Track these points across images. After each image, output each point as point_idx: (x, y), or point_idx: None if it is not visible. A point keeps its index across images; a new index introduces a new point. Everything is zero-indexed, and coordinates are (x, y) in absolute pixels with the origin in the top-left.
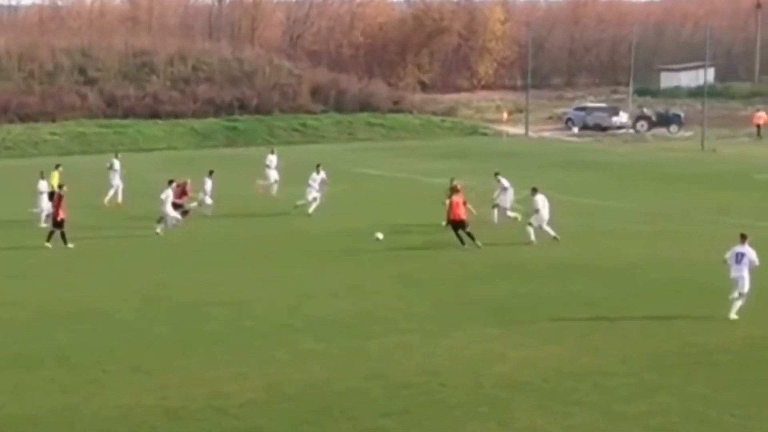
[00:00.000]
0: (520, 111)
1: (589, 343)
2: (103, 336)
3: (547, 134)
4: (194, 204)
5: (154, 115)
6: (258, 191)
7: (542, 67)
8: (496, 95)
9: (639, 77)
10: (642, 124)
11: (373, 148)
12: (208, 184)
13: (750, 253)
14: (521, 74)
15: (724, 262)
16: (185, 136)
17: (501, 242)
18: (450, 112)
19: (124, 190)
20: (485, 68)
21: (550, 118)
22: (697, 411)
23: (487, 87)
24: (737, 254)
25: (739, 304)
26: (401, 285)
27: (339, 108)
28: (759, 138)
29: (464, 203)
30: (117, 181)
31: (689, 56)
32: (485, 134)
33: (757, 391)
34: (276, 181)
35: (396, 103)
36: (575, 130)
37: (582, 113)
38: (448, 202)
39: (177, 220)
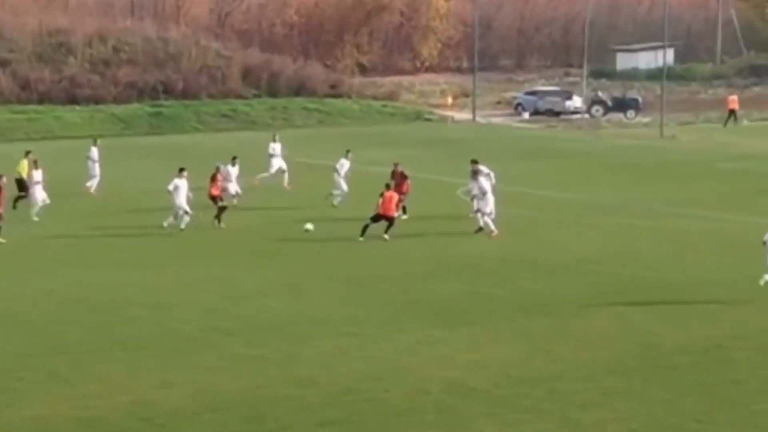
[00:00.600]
0: (467, 95)
1: (542, 346)
2: (17, 341)
3: (495, 120)
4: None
5: (72, 100)
6: (255, 184)
7: (490, 48)
8: (441, 78)
9: (593, 58)
10: (597, 109)
11: (310, 135)
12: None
13: None
14: (467, 56)
15: (764, 243)
16: (105, 122)
17: (446, 235)
18: (391, 96)
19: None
20: (429, 49)
21: (499, 102)
22: (659, 417)
23: (431, 69)
24: None
25: None
26: (339, 284)
27: (272, 92)
28: (733, 123)
29: (399, 199)
30: (97, 170)
31: (647, 36)
32: (429, 120)
33: (722, 395)
34: (284, 171)
35: (333, 87)
36: (526, 115)
37: (533, 98)
38: (381, 195)
39: (187, 215)
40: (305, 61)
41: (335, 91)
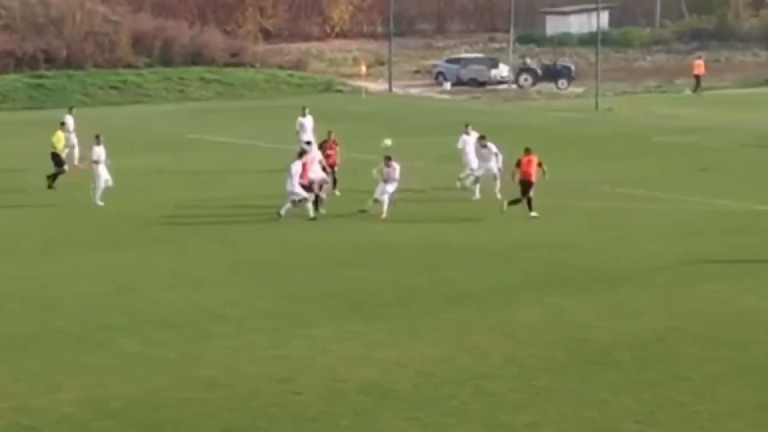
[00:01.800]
0: (382, 63)
1: (468, 341)
2: None
3: (414, 91)
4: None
5: None
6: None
7: (407, 11)
8: (353, 45)
9: (521, 22)
10: (526, 79)
11: (208, 109)
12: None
13: None
14: (382, 19)
15: None
16: None
17: (363, 219)
18: (299, 65)
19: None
20: (340, 13)
21: (418, 71)
22: (594, 419)
23: (343, 35)
24: None
25: None
26: (244, 274)
27: (166, 61)
28: (698, 91)
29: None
30: (74, 140)
31: None
32: (341, 91)
33: (663, 394)
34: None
35: (234, 55)
36: (447, 85)
37: (455, 66)
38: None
39: (301, 198)
40: (202, 27)
41: (236, 59)
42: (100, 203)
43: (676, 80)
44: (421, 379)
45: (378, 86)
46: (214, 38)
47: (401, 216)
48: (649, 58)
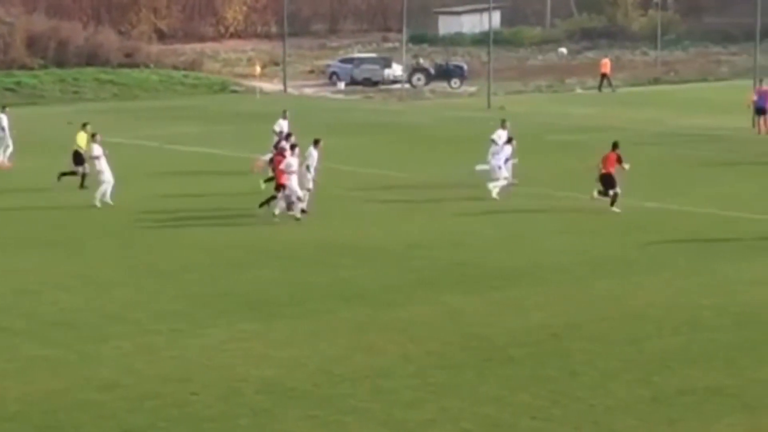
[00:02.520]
0: (277, 64)
1: (365, 340)
2: None
3: (308, 91)
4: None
5: None
6: (255, 170)
7: (300, 12)
8: (248, 45)
9: (414, 22)
10: (419, 78)
11: (103, 109)
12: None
13: None
14: (276, 20)
15: None
16: None
17: (260, 219)
18: (194, 65)
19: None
20: (234, 13)
21: (312, 71)
22: (491, 415)
23: (237, 35)
24: None
25: None
26: (142, 275)
27: (61, 62)
28: (607, 89)
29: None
30: (8, 140)
31: None
32: (236, 92)
33: (559, 389)
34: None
35: (129, 55)
36: (341, 85)
37: (349, 66)
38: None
39: (297, 198)
40: (96, 27)
41: (131, 60)
42: (110, 201)
43: (567, 79)
44: (319, 378)
45: (273, 86)
46: (108, 39)
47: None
48: (540, 57)
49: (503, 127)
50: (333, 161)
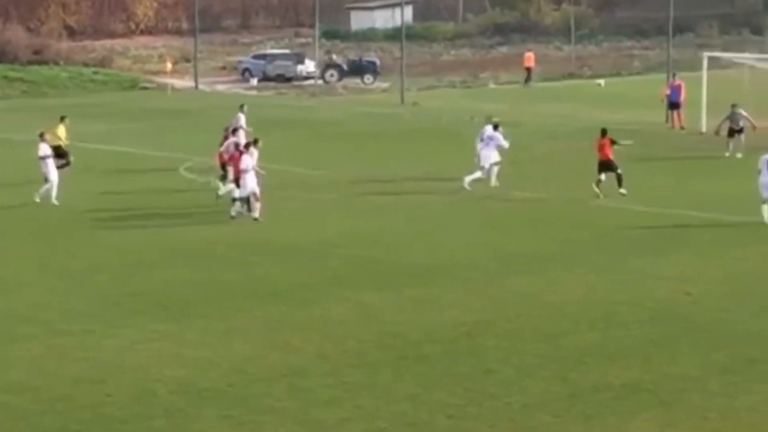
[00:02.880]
0: (188, 60)
1: (280, 338)
2: None
3: (221, 87)
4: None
5: None
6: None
7: (212, 8)
8: (159, 41)
9: (326, 18)
10: (332, 74)
11: (12, 107)
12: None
13: None
14: (187, 16)
15: (759, 171)
16: None
17: (172, 217)
18: (104, 62)
19: None
20: (144, 9)
21: (224, 68)
22: (407, 413)
23: (148, 32)
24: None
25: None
26: (52, 275)
27: None
28: (528, 84)
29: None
30: None
31: None
32: (146, 88)
33: (474, 387)
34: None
35: (38, 52)
36: (254, 81)
37: (261, 62)
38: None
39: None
40: (4, 24)
41: (40, 57)
42: (55, 202)
43: (480, 74)
44: (234, 378)
45: (184, 83)
46: (16, 35)
47: (211, 214)
48: (453, 52)
49: (489, 122)
50: None
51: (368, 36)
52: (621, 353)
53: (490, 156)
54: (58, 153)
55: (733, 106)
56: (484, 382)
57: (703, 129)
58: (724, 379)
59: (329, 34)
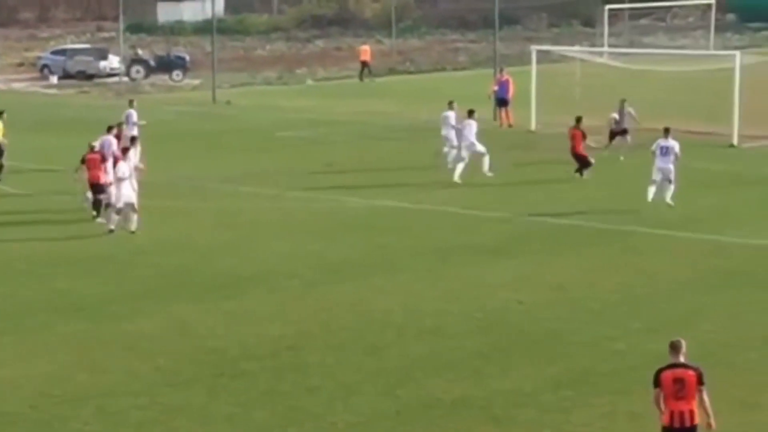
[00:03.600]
0: None
1: (86, 356)
2: None
3: (18, 85)
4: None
5: None
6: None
7: (6, 0)
8: None
9: (130, 10)
10: (138, 70)
11: None
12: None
13: (675, 146)
14: None
15: (653, 152)
16: None
17: None
18: None
19: None
20: None
21: (22, 64)
22: None
23: None
24: (662, 147)
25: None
26: None
27: None
28: (367, 78)
29: None
30: None
31: None
32: None
33: (296, 405)
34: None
35: None
36: (54, 79)
37: (61, 58)
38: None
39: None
40: None
41: None
42: None
43: (297, 70)
44: (37, 400)
45: None
46: None
47: (7, 225)
48: (268, 47)
49: (451, 107)
50: (45, 162)
51: (176, 29)
52: (450, 366)
53: (474, 144)
54: None
55: (623, 101)
56: (307, 400)
57: (533, 127)
58: (558, 394)
59: (134, 28)
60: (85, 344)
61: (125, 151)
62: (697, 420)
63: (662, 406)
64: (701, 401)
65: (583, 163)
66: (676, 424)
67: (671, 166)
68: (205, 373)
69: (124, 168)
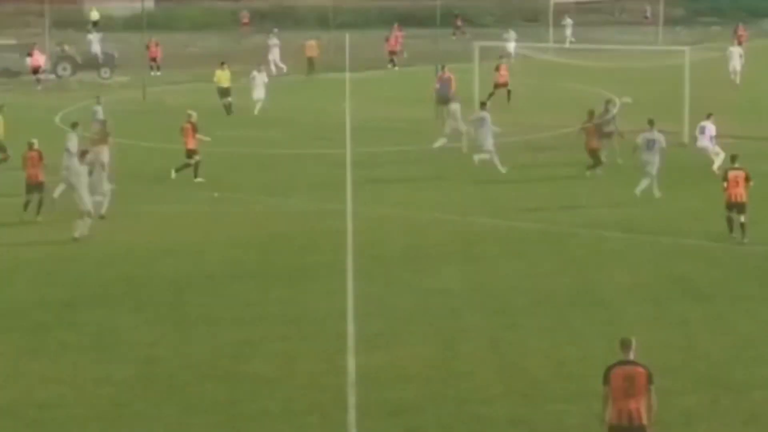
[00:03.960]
0: None
1: (25, 368)
2: None
3: None
4: None
5: None
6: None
7: None
8: None
9: (57, 5)
10: (65, 68)
11: None
12: None
13: (661, 138)
14: None
15: (637, 146)
16: None
17: None
18: None
19: None
20: None
21: None
22: None
23: None
24: (648, 140)
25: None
26: None
27: None
28: (312, 74)
29: None
30: None
31: None
32: None
33: (244, 411)
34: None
35: None
36: None
37: None
38: None
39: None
40: None
41: None
42: None
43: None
44: None
45: None
46: None
47: None
48: (200, 43)
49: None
50: None
51: (105, 25)
52: None
53: (488, 138)
54: None
55: (608, 102)
56: (255, 404)
57: None
58: None
59: (61, 23)
60: (31, 353)
61: (84, 154)
62: (645, 420)
63: (609, 405)
64: (649, 401)
65: (595, 160)
66: (624, 422)
67: (656, 159)
68: (154, 386)
69: (81, 170)
